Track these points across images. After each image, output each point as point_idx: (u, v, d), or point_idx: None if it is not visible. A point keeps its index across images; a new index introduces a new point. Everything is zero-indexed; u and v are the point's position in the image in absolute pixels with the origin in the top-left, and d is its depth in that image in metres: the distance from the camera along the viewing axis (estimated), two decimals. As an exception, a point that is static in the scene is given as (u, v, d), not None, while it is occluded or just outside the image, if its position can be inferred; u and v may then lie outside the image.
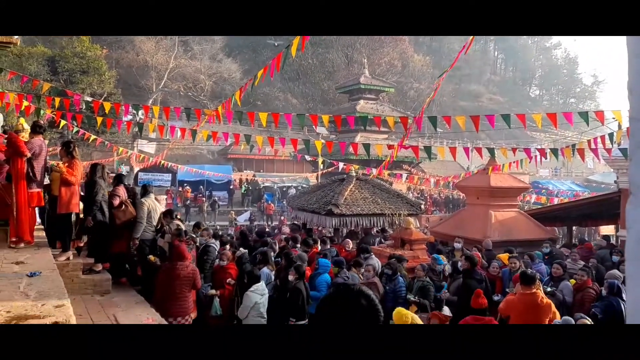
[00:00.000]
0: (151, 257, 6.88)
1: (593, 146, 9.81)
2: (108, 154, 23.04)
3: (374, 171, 16.37)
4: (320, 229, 13.22)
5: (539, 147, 14.28)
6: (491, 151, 11.78)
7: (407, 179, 20.96)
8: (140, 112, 11.20)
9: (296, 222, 14.08)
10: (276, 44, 41.12)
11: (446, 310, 6.19)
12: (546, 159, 11.69)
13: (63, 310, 3.58)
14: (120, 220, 6.95)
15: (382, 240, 11.29)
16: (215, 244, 8.03)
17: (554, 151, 10.24)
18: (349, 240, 10.37)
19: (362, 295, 1.30)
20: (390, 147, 13.21)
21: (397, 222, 11.01)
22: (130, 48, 35.53)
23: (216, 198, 26.22)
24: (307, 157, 20.44)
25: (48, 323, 3.30)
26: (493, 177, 12.24)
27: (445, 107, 51.52)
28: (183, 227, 7.77)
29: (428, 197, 29.03)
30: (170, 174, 28.84)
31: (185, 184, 27.55)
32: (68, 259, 6.04)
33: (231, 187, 29.18)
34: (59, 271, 4.96)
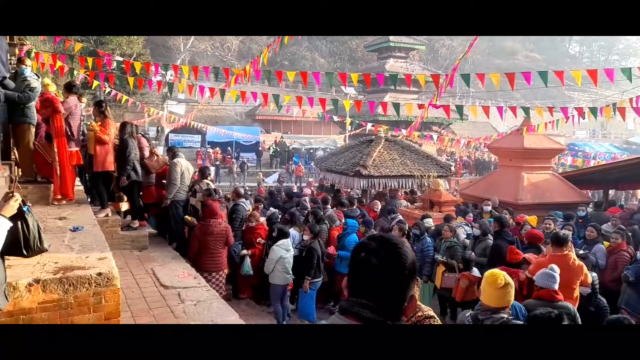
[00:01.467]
0: (187, 217, 7.07)
1: (635, 105, 9.33)
2: (139, 115, 23.45)
3: (403, 132, 16.14)
4: (348, 190, 13.26)
5: (576, 106, 13.71)
6: (526, 111, 11.38)
7: (437, 140, 20.59)
8: (169, 72, 11.27)
9: (324, 184, 14.16)
10: None
11: (475, 271, 6.21)
12: (584, 118, 11.23)
13: (106, 262, 3.77)
14: (155, 170, 7.13)
15: (409, 203, 11.26)
16: (245, 203, 8.18)
17: (593, 110, 9.81)
18: (377, 202, 10.38)
19: (392, 243, 1.31)
20: (420, 107, 12.93)
21: (426, 184, 10.94)
22: (157, 7, 35.35)
23: (245, 159, 26.54)
24: (335, 118, 20.25)
25: (93, 274, 3.50)
26: (527, 139, 11.88)
27: (478, 65, 49.63)
28: (212, 186, 7.92)
29: (458, 159, 28.54)
30: (200, 135, 29.21)
31: (215, 145, 27.90)
32: (107, 215, 6.29)
33: (259, 148, 29.40)
34: (99, 227, 5.20)
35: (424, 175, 11.40)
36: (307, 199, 10.18)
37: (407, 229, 7.34)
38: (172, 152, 7.65)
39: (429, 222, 8.06)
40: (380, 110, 21.17)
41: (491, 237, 7.11)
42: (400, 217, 8.65)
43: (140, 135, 7.28)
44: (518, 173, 11.74)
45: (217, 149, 27.26)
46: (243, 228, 7.53)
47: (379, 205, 10.02)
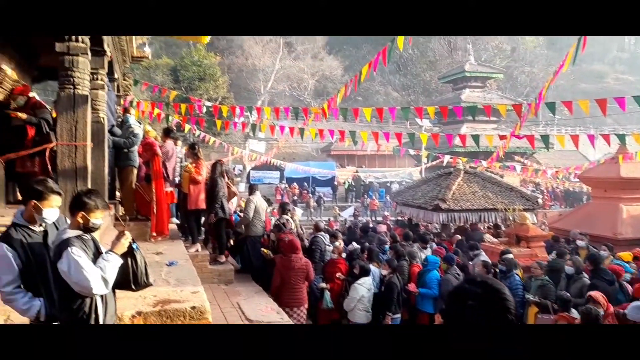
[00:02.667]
0: (264, 251, 7.32)
1: None
2: (224, 154, 24.92)
3: (484, 163, 15.56)
4: (426, 224, 12.95)
5: (683, 131, 12.36)
6: (621, 138, 10.51)
7: (520, 171, 19.56)
8: (253, 113, 11.97)
9: (401, 218, 13.95)
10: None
11: (574, 313, 5.72)
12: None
13: (198, 296, 4.01)
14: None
15: (493, 237, 10.72)
16: (324, 236, 8.30)
17: None
18: (459, 236, 10.02)
19: (495, 292, 1.29)
20: (502, 137, 12.44)
21: (511, 218, 10.39)
22: (240, 53, 37.87)
23: (321, 194, 26.98)
24: (411, 151, 20.04)
25: (187, 307, 3.73)
26: (624, 167, 10.95)
27: (563, 90, 46.91)
28: (292, 222, 8.14)
29: (545, 191, 26.78)
30: (279, 172, 30.28)
31: (292, 181, 28.73)
32: (197, 250, 6.70)
33: (335, 183, 29.78)
34: (191, 262, 5.56)
35: (508, 209, 10.84)
36: (385, 234, 10.09)
37: (491, 265, 6.98)
38: (251, 189, 8.04)
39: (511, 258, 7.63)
40: (458, 141, 20.65)
41: (586, 276, 6.56)
42: (483, 253, 8.26)
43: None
44: (615, 205, 10.79)
45: (295, 184, 28.02)
46: (323, 261, 7.63)
47: (459, 238, 9.64)
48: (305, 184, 28.68)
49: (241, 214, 7.71)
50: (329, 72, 39.78)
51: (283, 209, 8.45)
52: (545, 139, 9.51)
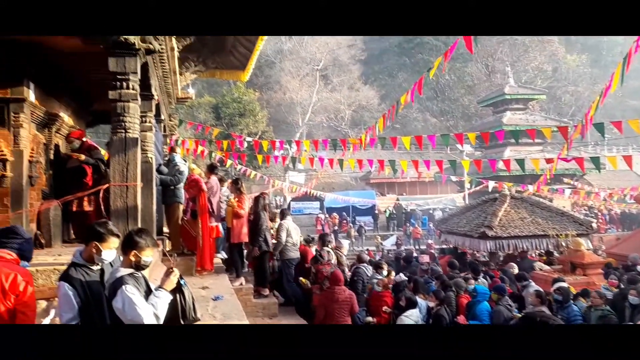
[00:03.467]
0: (302, 280, 7.30)
1: None
2: (265, 187, 25.37)
3: (531, 188, 15.02)
4: (473, 252, 12.53)
5: None
6: (681, 156, 9.90)
7: (570, 194, 18.71)
8: (292, 146, 12.21)
9: (445, 246, 13.58)
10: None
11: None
12: None
13: (245, 332, 4.02)
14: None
15: (545, 265, 10.20)
16: (367, 268, 8.17)
17: None
18: (513, 264, 9.55)
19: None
20: (548, 161, 12.02)
21: (564, 244, 9.90)
22: (277, 88, 38.98)
23: (362, 223, 26.74)
24: (453, 178, 19.65)
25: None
26: (686, 187, 10.25)
27: (611, 108, 45.04)
28: (332, 254, 8.09)
29: (599, 214, 25.41)
30: (319, 202, 30.41)
31: (332, 211, 28.71)
32: (241, 284, 6.75)
33: (375, 211, 29.51)
34: (236, 296, 5.60)
35: (561, 234, 10.34)
36: (428, 264, 9.81)
37: (545, 295, 6.62)
38: (282, 213, 8.10)
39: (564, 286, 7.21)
40: (501, 165, 20.12)
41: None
42: (533, 284, 7.83)
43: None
44: (680, 227, 10.05)
45: (335, 214, 27.97)
46: (365, 293, 7.49)
47: (515, 269, 9.17)
48: (344, 213, 28.53)
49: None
50: (366, 102, 40.15)
51: (323, 240, 8.43)
52: (595, 160, 9.13)
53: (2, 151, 5.04)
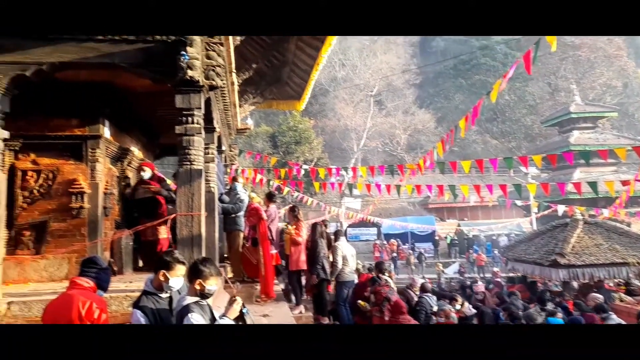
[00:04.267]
0: (361, 303, 7.15)
1: None
2: (321, 213, 25.52)
3: (605, 212, 13.98)
4: (544, 282, 11.75)
5: None
6: None
7: (652, 217, 17.18)
8: (348, 172, 12.24)
9: (513, 274, 12.85)
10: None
11: None
12: None
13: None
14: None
15: (626, 296, 9.33)
16: (430, 298, 7.88)
17: None
18: (597, 295, 8.78)
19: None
20: (624, 182, 11.17)
21: (647, 272, 9.06)
22: (332, 115, 39.50)
23: (421, 250, 26.02)
24: (518, 202, 18.72)
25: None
26: None
27: (694, 124, 41.50)
28: (391, 282, 7.88)
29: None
30: (376, 228, 30.01)
31: (390, 237, 28.21)
32: (301, 312, 6.73)
33: (435, 237, 28.64)
34: (296, 323, 5.58)
35: (643, 262, 9.48)
36: (483, 294, 9.29)
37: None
38: (336, 235, 8.01)
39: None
40: (571, 188, 18.95)
41: None
42: (614, 316, 7.18)
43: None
44: None
45: (393, 240, 27.44)
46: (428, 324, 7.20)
47: (599, 299, 8.43)
48: (398, 239, 27.82)
49: None
50: (422, 126, 39.64)
51: (380, 268, 8.24)
52: (680, 180, 8.35)
53: (80, 184, 5.44)
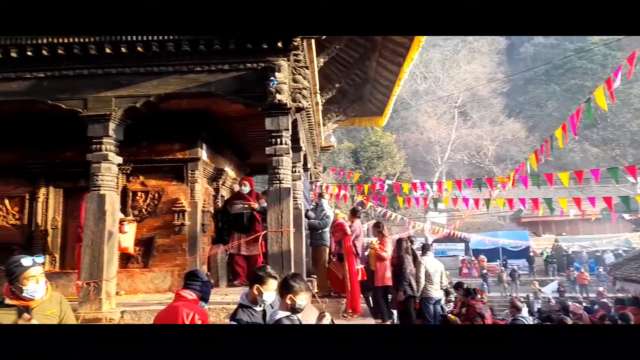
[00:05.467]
0: (451, 317, 6.91)
1: None
2: (405, 228, 25.06)
3: None
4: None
5: None
6: None
7: None
8: (433, 186, 11.98)
9: (622, 295, 11.60)
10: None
11: None
12: None
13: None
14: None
15: None
16: (526, 319, 7.40)
17: None
18: None
19: None
20: None
21: None
22: (414, 129, 38.87)
23: (514, 267, 24.42)
24: (626, 216, 16.95)
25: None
26: None
27: None
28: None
29: None
30: (463, 244, 28.80)
31: (479, 253, 26.87)
32: (388, 329, 6.66)
33: (530, 253, 26.75)
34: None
35: None
36: (580, 316, 8.44)
37: None
38: (423, 249, 7.78)
39: None
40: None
41: None
42: None
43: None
44: None
45: (482, 256, 26.10)
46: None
47: None
48: (483, 255, 26.28)
49: None
50: (511, 136, 37.53)
51: (467, 290, 7.88)
52: None
53: (182, 203, 5.94)
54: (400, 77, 8.61)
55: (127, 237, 5.48)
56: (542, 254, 26.48)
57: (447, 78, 38.43)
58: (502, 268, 24.31)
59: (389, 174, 29.17)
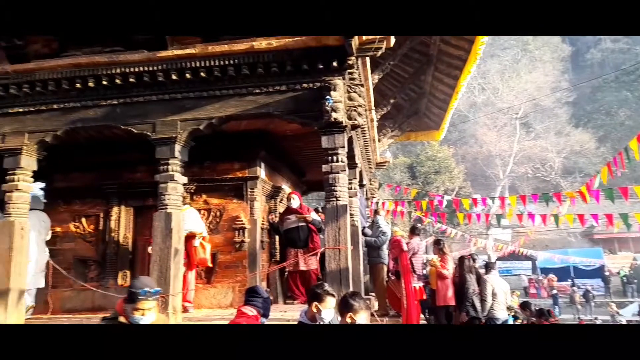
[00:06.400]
0: None
1: None
2: (465, 245, 24.17)
3: None
4: None
5: None
6: None
7: None
8: (496, 202, 11.50)
9: None
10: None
11: None
12: None
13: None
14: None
15: None
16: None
17: None
18: None
19: None
20: None
21: None
22: (473, 142, 37.72)
23: (589, 287, 22.73)
24: None
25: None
26: None
27: None
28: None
29: None
30: (530, 262, 27.28)
31: (548, 272, 25.31)
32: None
33: (605, 273, 24.82)
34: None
35: None
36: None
37: None
38: (487, 267, 7.44)
39: None
40: None
41: None
42: None
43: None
44: None
45: (552, 275, 24.54)
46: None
47: None
48: (552, 274, 24.61)
49: None
50: (580, 147, 35.38)
51: (540, 311, 7.43)
52: None
53: (242, 221, 6.11)
54: (457, 90, 8.43)
55: (202, 250, 5.69)
56: (619, 273, 24.51)
57: (507, 89, 37.05)
58: (575, 288, 22.72)
59: (447, 189, 28.42)
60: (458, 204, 9.90)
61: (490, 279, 6.95)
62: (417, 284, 6.69)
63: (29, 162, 5.09)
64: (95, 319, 5.38)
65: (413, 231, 7.11)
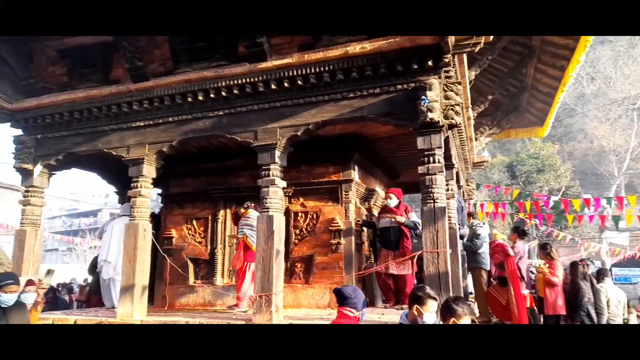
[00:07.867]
0: None
1: None
2: (574, 249, 22.14)
3: None
4: None
5: None
6: None
7: None
8: (612, 202, 10.41)
9: None
10: None
11: None
12: None
13: None
14: None
15: None
16: None
17: None
18: None
19: None
20: None
21: None
22: (582, 137, 34.44)
23: None
24: None
25: None
26: None
27: None
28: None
29: None
30: (654, 269, 24.21)
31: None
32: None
33: None
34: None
35: None
36: None
37: None
38: (599, 274, 6.71)
39: None
40: None
41: None
42: None
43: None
44: None
45: (683, 286, 21.54)
46: None
47: None
48: None
49: None
50: None
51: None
52: None
53: (337, 223, 6.23)
54: (565, 81, 7.79)
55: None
56: None
57: (622, 77, 33.29)
58: None
59: (552, 189, 26.26)
60: (567, 205, 9.07)
61: (604, 288, 6.32)
62: (525, 291, 6.30)
63: (149, 170, 5.68)
64: (206, 314, 5.84)
65: (519, 234, 6.69)
